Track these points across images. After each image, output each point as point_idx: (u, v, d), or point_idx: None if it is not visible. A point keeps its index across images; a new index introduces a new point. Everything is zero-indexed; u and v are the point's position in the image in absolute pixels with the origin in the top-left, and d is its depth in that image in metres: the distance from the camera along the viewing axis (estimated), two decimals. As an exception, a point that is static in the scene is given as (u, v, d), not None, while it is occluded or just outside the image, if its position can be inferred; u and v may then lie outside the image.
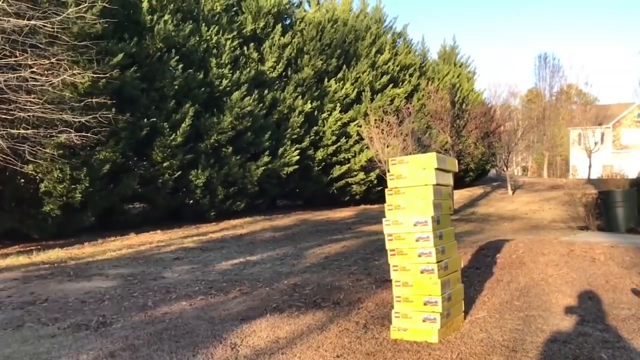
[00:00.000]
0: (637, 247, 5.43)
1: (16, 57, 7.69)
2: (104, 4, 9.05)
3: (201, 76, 12.05)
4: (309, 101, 14.85)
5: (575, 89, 45.30)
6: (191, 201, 12.61)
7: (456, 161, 3.59)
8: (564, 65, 63.34)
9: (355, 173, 16.14)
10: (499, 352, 2.82)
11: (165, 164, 11.25)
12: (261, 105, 13.38)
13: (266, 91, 13.85)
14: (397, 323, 3.15)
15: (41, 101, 7.88)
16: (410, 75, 18.58)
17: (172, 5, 11.85)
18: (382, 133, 12.88)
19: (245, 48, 13.63)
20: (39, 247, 9.06)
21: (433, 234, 3.09)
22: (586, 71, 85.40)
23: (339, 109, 15.66)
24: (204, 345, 3.07)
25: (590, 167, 30.85)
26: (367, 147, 14.89)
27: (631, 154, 37.92)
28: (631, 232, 8.02)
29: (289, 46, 14.88)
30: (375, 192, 16.67)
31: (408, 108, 14.37)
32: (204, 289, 4.94)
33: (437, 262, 3.09)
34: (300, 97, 14.75)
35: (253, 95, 12.98)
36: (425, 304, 3.10)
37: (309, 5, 17.31)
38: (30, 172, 8.97)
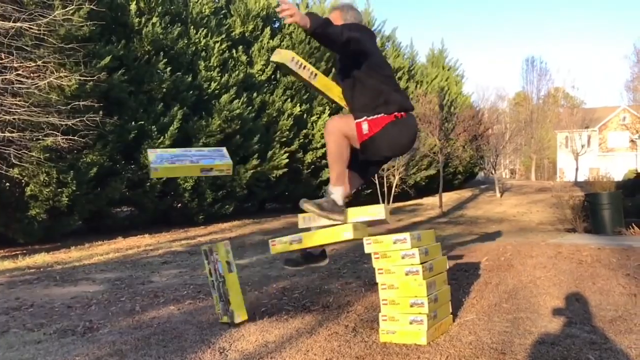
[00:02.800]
0: (623, 249, 5.48)
1: (1, 59, 7.62)
2: (91, 6, 8.99)
3: (190, 79, 12.01)
4: (298, 104, 14.86)
5: (562, 92, 45.88)
6: (179, 205, 12.55)
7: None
8: (551, 68, 64.41)
9: (345, 176, 16.15)
10: (488, 354, 2.83)
11: (153, 167, 11.18)
12: (250, 108, 13.36)
13: (255, 94, 13.83)
14: (384, 326, 3.15)
15: (27, 104, 7.81)
16: (399, 79, 18.66)
17: (160, 8, 11.80)
18: (371, 136, 12.90)
19: (234, 51, 13.61)
20: (25, 251, 8.95)
21: (410, 236, 3.11)
22: (573, 75, 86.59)
23: (328, 112, 15.68)
24: (192, 350, 3.05)
25: (577, 169, 31.22)
26: (356, 150, 14.92)
27: (617, 156, 38.42)
28: (617, 234, 8.11)
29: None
30: (365, 195, 16.69)
31: (397, 111, 14.42)
32: (192, 293, 4.91)
33: (421, 263, 3.11)
34: (289, 100, 14.75)
35: (242, 98, 12.96)
36: (411, 306, 3.11)
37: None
38: (15, 175, 8.87)
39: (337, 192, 3.29)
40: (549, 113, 44.49)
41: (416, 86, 18.76)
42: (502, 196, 18.04)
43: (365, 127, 3.12)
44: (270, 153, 13.89)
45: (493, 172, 19.70)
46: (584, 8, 71.34)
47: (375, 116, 3.13)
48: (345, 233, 3.22)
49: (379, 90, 3.15)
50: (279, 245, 3.41)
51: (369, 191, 16.09)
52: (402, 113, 3.18)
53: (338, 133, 3.15)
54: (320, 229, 3.39)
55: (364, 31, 3.19)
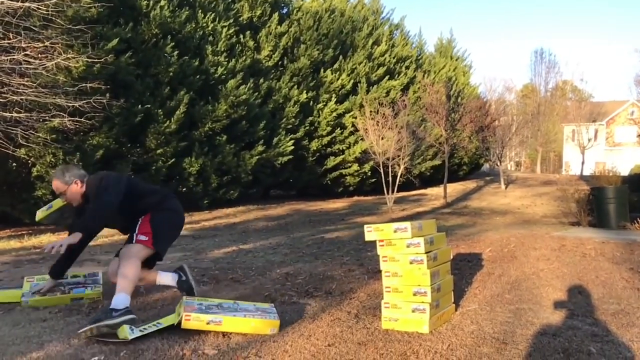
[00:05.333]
0: (627, 244, 5.48)
1: (10, 39, 7.60)
2: (100, -13, 8.94)
3: (196, 63, 11.97)
4: (305, 91, 14.81)
5: (570, 85, 45.48)
6: (184, 189, 12.58)
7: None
8: (559, 61, 63.74)
9: (350, 164, 16.14)
10: (489, 344, 2.84)
11: (159, 151, 11.20)
12: (256, 94, 13.33)
13: (262, 80, 13.79)
14: (387, 313, 3.17)
15: (34, 85, 7.81)
16: (407, 68, 18.54)
17: (168, -10, 11.73)
18: (377, 125, 12.87)
19: (241, 36, 13.55)
20: (31, 231, 9.02)
21: (411, 226, 3.11)
22: (582, 68, 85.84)
23: (335, 99, 15.62)
24: (196, 332, 3.07)
25: (583, 163, 31.02)
26: (361, 139, 14.88)
27: (624, 151, 38.18)
28: (622, 229, 8.09)
29: (286, 35, 14.80)
30: (369, 184, 16.70)
31: (403, 100, 14.34)
32: (196, 277, 4.93)
33: (426, 252, 3.11)
34: (295, 86, 14.70)
35: (248, 84, 12.92)
36: (414, 295, 3.12)
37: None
38: (22, 156, 8.91)
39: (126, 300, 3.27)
40: (556, 106, 44.13)
41: (424, 75, 18.63)
42: (507, 188, 17.99)
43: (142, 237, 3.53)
44: (275, 139, 13.88)
45: (498, 164, 19.62)
46: (595, 0, 70.57)
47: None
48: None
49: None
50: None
51: (373, 180, 16.08)
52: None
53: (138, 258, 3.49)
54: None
55: (109, 186, 3.50)
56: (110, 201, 3.42)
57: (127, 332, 2.95)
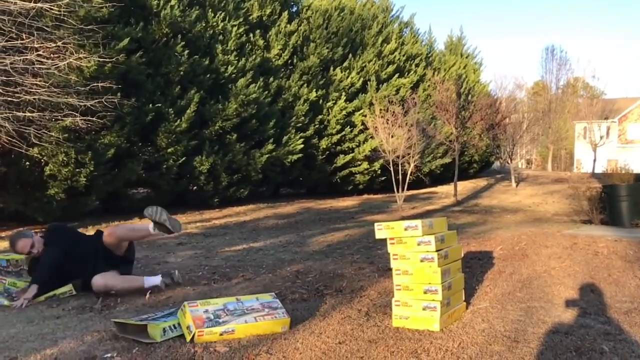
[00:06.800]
0: (640, 242, 5.43)
1: (22, 39, 7.67)
2: (111, -13, 9.00)
3: (207, 62, 12.02)
4: (314, 90, 14.81)
5: (581, 82, 45.05)
6: (195, 187, 12.65)
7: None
8: (571, 58, 63.17)
9: (359, 162, 16.12)
10: (501, 342, 2.84)
11: (169, 150, 11.27)
12: (266, 92, 13.35)
13: (271, 79, 13.81)
14: (397, 311, 3.17)
15: (47, 84, 7.87)
16: (417, 65, 18.48)
17: (178, -10, 11.78)
18: (387, 123, 12.83)
19: (251, 35, 13.58)
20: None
21: (421, 223, 3.11)
22: (593, 64, 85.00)
23: (344, 98, 15.60)
24: (207, 329, 3.08)
25: (594, 161, 30.69)
26: (371, 137, 14.85)
27: (636, 148, 37.78)
28: (635, 227, 8.02)
29: (295, 34, 14.81)
30: (379, 182, 16.67)
31: (413, 98, 14.29)
32: (207, 274, 4.97)
33: (437, 250, 3.11)
34: (305, 85, 14.71)
35: (258, 83, 12.94)
36: (425, 292, 3.12)
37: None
38: (35, 155, 8.99)
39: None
40: (567, 103, 43.78)
41: (434, 73, 18.55)
42: (518, 186, 17.89)
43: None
44: (285, 138, 13.90)
45: (509, 161, 19.51)
46: (608, -4, 69.80)
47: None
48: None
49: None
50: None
51: (383, 178, 16.06)
52: None
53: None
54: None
55: (51, 250, 4.21)
56: (52, 256, 4.17)
57: (158, 334, 2.93)
